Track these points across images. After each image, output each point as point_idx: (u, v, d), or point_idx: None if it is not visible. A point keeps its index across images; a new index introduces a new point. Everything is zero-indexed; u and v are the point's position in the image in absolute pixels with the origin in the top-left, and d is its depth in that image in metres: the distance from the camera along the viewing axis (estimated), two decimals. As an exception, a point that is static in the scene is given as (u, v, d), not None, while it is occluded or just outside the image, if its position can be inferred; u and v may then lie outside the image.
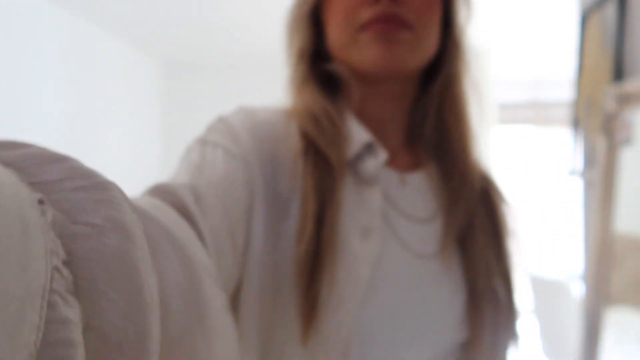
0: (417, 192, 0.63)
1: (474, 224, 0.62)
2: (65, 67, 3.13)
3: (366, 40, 0.58)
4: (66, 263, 0.21)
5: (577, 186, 1.90)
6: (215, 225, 0.46)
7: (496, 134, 3.56)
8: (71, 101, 3.18)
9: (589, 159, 1.77)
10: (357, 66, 0.60)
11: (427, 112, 0.65)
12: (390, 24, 0.57)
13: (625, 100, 1.46)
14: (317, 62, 0.64)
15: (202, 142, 0.55)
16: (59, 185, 0.22)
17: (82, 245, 0.22)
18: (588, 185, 1.81)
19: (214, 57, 4.07)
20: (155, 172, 4.11)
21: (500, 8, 2.95)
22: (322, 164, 0.56)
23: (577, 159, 1.87)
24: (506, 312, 0.63)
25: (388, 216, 0.59)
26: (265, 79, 3.27)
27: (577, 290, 3.01)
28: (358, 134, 0.60)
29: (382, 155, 0.60)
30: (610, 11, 1.65)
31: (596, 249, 1.53)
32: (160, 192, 0.44)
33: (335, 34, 0.61)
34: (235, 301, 0.55)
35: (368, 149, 0.60)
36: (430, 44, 0.61)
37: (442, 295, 0.59)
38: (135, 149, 3.90)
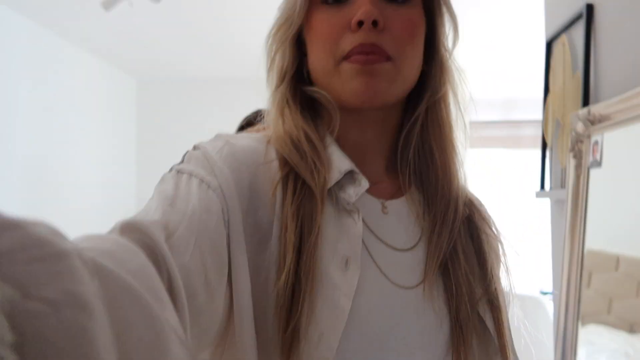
0: (398, 220, 0.62)
1: (457, 250, 0.61)
2: (37, 84, 3.08)
3: (347, 71, 0.57)
4: (17, 345, 0.20)
5: (546, 206, 1.93)
6: (188, 263, 0.45)
7: (468, 154, 3.61)
8: (45, 118, 3.13)
9: (558, 179, 1.80)
10: (338, 96, 0.59)
11: (410, 136, 0.64)
12: (370, 56, 0.56)
13: (593, 122, 1.49)
14: (298, 84, 0.63)
15: (178, 171, 0.54)
16: (10, 256, 0.21)
17: (36, 323, 0.20)
18: (556, 205, 1.84)
19: (191, 74, 4.05)
20: (131, 190, 4.05)
21: (469, 29, 3.01)
22: (302, 191, 0.55)
23: (545, 179, 1.91)
24: (496, 340, 0.61)
25: (369, 245, 0.58)
26: (243, 96, 3.27)
27: (550, 307, 3.05)
28: (339, 160, 0.59)
29: (363, 183, 0.59)
30: (578, 34, 1.69)
31: (567, 268, 1.56)
32: (130, 229, 0.42)
33: (318, 60, 0.60)
34: (228, 337, 0.53)
35: (349, 176, 0.59)
36: (412, 73, 0.61)
37: (425, 326, 0.58)
38: (110, 167, 3.84)
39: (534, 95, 4.14)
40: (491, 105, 4.00)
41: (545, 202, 1.95)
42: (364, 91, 0.57)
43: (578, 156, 1.57)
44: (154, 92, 4.24)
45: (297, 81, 0.63)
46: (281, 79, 0.63)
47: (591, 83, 1.61)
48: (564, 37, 1.79)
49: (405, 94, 0.62)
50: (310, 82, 0.63)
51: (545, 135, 1.93)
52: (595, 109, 1.46)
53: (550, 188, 1.90)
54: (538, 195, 1.94)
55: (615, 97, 1.43)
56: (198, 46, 3.45)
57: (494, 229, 0.67)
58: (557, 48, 1.85)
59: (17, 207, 2.86)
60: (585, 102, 1.59)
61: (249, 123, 1.51)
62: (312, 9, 0.60)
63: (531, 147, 4.06)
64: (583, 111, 1.51)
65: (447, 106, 0.65)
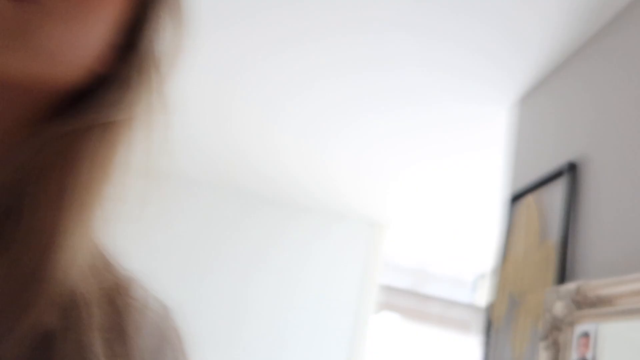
0: None
1: None
2: None
3: None
4: None
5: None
6: None
7: (375, 321, 3.19)
8: None
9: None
10: None
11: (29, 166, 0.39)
12: None
13: (582, 305, 1.12)
14: None
15: None
16: None
17: None
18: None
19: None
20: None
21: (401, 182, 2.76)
22: None
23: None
24: None
25: None
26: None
27: None
28: None
29: None
30: (551, 196, 1.40)
31: None
32: None
33: None
34: None
35: None
36: (80, 42, 0.36)
37: None
38: None
39: (443, 271, 3.94)
40: (403, 271, 3.69)
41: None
42: None
43: (553, 349, 1.17)
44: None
45: None
46: None
47: (569, 256, 1.28)
48: (530, 198, 1.50)
49: (54, 83, 0.37)
50: None
51: (491, 314, 1.55)
52: (589, 286, 1.10)
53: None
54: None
55: (610, 276, 1.11)
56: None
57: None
58: (520, 210, 1.55)
59: None
60: (561, 278, 1.24)
61: None
62: None
63: (437, 325, 3.73)
64: (567, 288, 1.14)
65: (120, 136, 0.40)
